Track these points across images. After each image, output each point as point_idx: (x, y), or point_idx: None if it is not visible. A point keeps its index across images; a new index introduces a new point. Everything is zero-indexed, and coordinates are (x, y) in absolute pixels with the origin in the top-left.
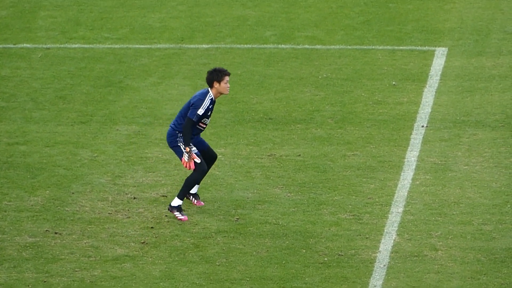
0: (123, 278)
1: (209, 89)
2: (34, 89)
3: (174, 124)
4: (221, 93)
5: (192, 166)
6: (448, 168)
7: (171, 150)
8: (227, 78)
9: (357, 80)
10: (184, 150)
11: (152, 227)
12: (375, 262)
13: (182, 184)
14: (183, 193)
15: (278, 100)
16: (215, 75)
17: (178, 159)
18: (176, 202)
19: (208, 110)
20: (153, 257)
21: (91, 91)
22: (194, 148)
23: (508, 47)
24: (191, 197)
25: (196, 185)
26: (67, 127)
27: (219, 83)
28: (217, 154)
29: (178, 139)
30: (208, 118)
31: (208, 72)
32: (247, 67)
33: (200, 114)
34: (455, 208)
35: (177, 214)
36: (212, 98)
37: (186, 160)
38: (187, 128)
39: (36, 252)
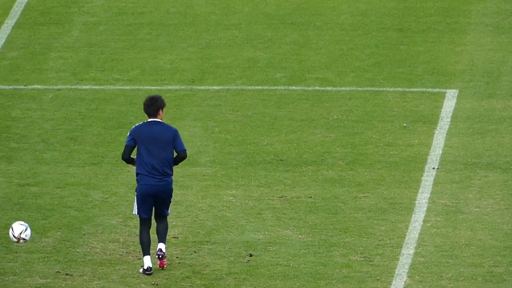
0: None
1: (156, 119)
2: (45, 130)
3: (168, 172)
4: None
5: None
6: (459, 210)
7: (180, 192)
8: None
9: (367, 122)
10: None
11: (163, 269)
12: None
13: (163, 234)
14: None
15: (289, 142)
16: (161, 103)
17: (189, 200)
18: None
19: None
20: None
21: (102, 132)
22: None
23: None
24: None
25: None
26: (78, 168)
27: (163, 110)
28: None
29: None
30: None
31: (149, 102)
32: (257, 109)
33: None
34: (466, 250)
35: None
36: None
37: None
38: (183, 160)
39: None
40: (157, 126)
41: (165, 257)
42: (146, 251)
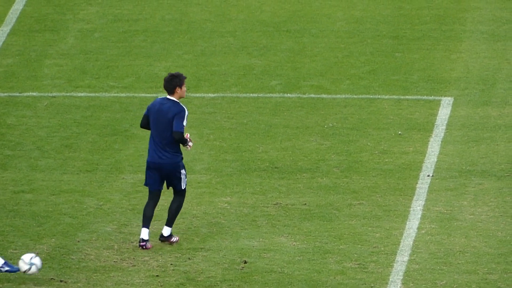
0: None
1: (171, 97)
2: (40, 138)
3: (170, 150)
4: (180, 98)
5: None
6: (454, 217)
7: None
8: (185, 81)
9: (362, 130)
10: (189, 145)
11: (157, 275)
12: None
13: (171, 215)
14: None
15: (284, 149)
16: (177, 81)
17: (184, 207)
18: (169, 231)
19: None
20: None
21: (97, 139)
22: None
23: None
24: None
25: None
26: (73, 175)
27: (181, 88)
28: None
29: (180, 162)
30: None
31: (167, 79)
32: (253, 116)
33: (184, 125)
34: (460, 257)
35: (173, 239)
36: None
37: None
38: (179, 141)
39: None
40: (167, 104)
41: (168, 239)
42: (144, 224)
